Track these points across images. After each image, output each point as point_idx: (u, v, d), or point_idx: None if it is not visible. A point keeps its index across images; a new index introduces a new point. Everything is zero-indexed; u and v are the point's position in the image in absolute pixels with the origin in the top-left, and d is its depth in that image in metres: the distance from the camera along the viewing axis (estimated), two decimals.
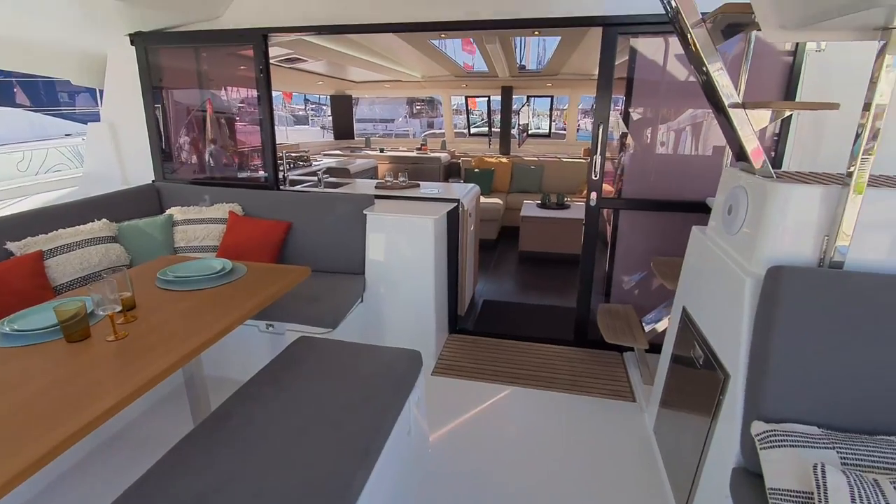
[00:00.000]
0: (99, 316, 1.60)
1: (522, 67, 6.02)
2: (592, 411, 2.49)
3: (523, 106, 6.78)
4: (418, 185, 3.67)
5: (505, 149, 6.81)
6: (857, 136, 1.31)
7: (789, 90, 2.59)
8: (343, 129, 7.29)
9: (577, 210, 5.28)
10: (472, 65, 5.68)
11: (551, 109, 7.09)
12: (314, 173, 4.15)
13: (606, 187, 2.91)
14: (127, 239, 2.81)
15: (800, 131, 2.61)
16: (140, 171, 3.56)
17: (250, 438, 1.43)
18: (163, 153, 3.60)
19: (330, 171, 5.05)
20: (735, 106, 1.63)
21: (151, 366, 1.37)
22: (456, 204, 3.10)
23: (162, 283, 1.98)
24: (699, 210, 2.76)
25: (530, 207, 5.41)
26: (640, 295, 3.06)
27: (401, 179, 3.64)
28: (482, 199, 5.54)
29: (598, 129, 2.80)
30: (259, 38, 3.13)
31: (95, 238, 2.61)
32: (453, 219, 3.12)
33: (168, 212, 3.08)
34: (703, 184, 2.79)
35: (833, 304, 1.34)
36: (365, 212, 2.86)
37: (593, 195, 2.90)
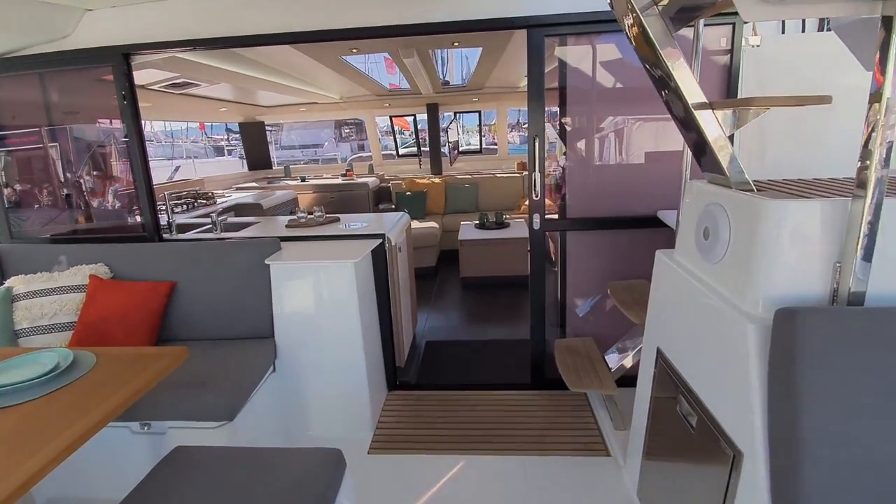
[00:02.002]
0: None
1: (446, 83, 5.73)
2: (562, 475, 2.09)
3: (451, 122, 6.49)
4: (338, 220, 3.17)
5: (436, 169, 6.46)
6: (871, 132, 1.00)
7: (729, 90, 2.40)
8: (258, 158, 6.62)
9: (517, 228, 4.99)
10: (398, 84, 5.31)
11: (480, 125, 6.86)
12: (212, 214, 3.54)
13: (549, 204, 2.59)
14: None
15: (743, 134, 2.42)
16: None
17: None
18: (7, 206, 2.87)
19: (239, 208, 4.42)
20: (702, 107, 1.32)
21: None
22: (381, 240, 2.64)
23: None
24: (650, 224, 2.49)
25: (468, 229, 5.06)
26: (598, 323, 2.74)
27: (316, 214, 3.13)
28: (416, 225, 5.12)
29: (534, 143, 2.47)
30: (118, 57, 2.55)
31: None
32: (380, 257, 2.65)
33: (6, 283, 2.38)
34: (652, 196, 2.54)
35: (865, 354, 1.01)
36: (268, 261, 2.33)
37: (536, 217, 2.56)
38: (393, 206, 5.71)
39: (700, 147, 1.42)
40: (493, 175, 6.26)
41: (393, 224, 2.98)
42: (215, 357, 2.16)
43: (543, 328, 2.71)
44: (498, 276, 4.76)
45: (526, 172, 6.30)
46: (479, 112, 6.60)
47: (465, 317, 4.07)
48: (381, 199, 6.26)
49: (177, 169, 10.57)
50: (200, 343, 2.32)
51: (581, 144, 2.58)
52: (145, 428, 1.95)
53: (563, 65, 2.52)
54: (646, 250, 2.65)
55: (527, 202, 5.91)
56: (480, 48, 4.04)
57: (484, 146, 7.40)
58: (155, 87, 4.19)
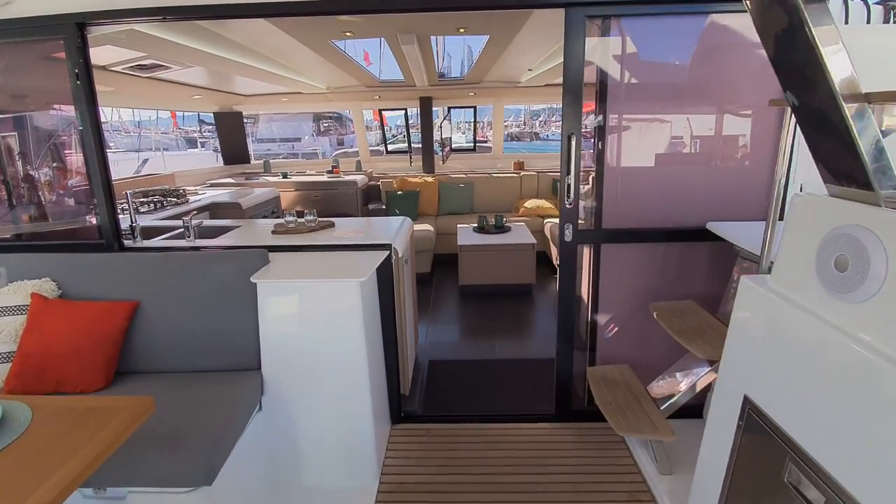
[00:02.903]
0: None
1: (442, 75, 5.36)
2: None
3: (445, 118, 6.12)
4: (332, 226, 2.78)
5: (429, 167, 6.09)
6: None
7: None
8: (235, 152, 6.11)
9: (519, 232, 4.67)
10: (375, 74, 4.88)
11: (475, 121, 6.51)
12: (186, 215, 3.09)
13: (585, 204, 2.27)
14: None
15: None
16: None
17: None
18: None
19: (214, 209, 3.96)
20: (855, 99, 1.00)
21: None
22: (387, 251, 2.27)
23: None
24: (697, 237, 2.19)
25: (466, 233, 4.71)
26: (634, 348, 2.43)
27: (308, 218, 2.72)
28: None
29: (569, 143, 2.13)
30: (71, 28, 2.10)
31: None
32: (385, 271, 2.28)
33: None
34: (699, 205, 2.24)
35: None
36: (254, 278, 1.93)
37: (568, 228, 2.23)
38: (383, 207, 5.32)
39: (835, 152, 1.11)
40: (488, 175, 5.93)
41: (396, 231, 2.61)
42: (188, 398, 1.75)
43: (571, 353, 2.39)
44: (500, 285, 4.43)
45: (523, 172, 5.99)
46: (475, 108, 6.25)
47: (469, 330, 3.72)
48: (371, 198, 5.85)
49: (144, 162, 9.87)
50: (170, 378, 1.91)
51: (619, 145, 2.26)
52: (99, 494, 1.54)
53: (601, 52, 2.18)
54: (692, 267, 2.37)
55: (525, 204, 5.65)
56: (487, 36, 3.68)
57: (475, 144, 7.05)
58: (117, 68, 3.68)
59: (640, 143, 2.27)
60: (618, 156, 2.26)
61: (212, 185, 5.36)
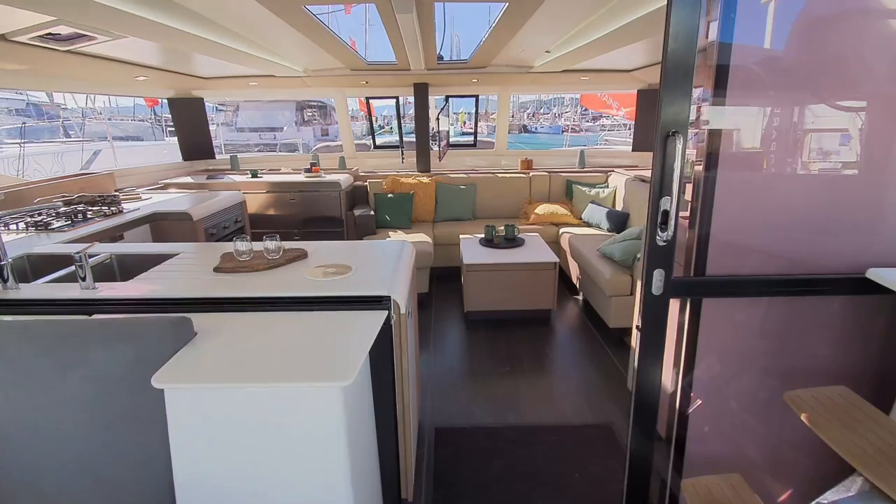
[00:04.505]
0: None
1: (440, 58, 4.55)
2: None
3: (444, 107, 5.31)
4: (304, 256, 1.98)
5: (424, 165, 5.28)
6: None
7: None
8: (196, 145, 5.20)
9: (534, 247, 3.92)
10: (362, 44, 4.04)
11: (476, 111, 5.70)
12: (117, 231, 2.26)
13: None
14: None
15: None
16: None
17: None
18: None
19: (157, 220, 3.10)
20: None
21: None
22: (385, 310, 1.49)
23: None
24: (853, 290, 1.46)
25: (471, 247, 3.93)
26: (744, 447, 1.70)
27: (268, 244, 1.92)
28: (403, 238, 3.90)
29: (667, 145, 1.38)
30: None
31: None
32: (383, 335, 1.50)
33: None
34: (857, 244, 1.50)
35: None
36: (159, 382, 1.13)
37: (657, 275, 1.48)
38: (371, 212, 4.52)
39: None
40: (493, 175, 5.15)
41: (395, 267, 1.83)
42: None
43: (651, 452, 1.65)
44: (513, 311, 3.68)
45: (532, 173, 5.21)
46: (477, 97, 5.45)
47: (482, 377, 2.96)
48: (357, 201, 5.02)
49: (96, 154, 8.80)
50: None
51: (740, 160, 1.51)
52: None
53: (726, 20, 1.42)
54: (842, 331, 1.65)
55: (536, 210, 4.82)
56: (506, 3, 2.89)
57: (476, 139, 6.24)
58: (23, 38, 2.80)
59: (773, 153, 1.51)
60: (736, 169, 1.50)
61: (165, 187, 4.48)
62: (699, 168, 1.53)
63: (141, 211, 3.10)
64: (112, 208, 3.00)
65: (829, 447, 1.32)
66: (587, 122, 25.60)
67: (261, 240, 1.93)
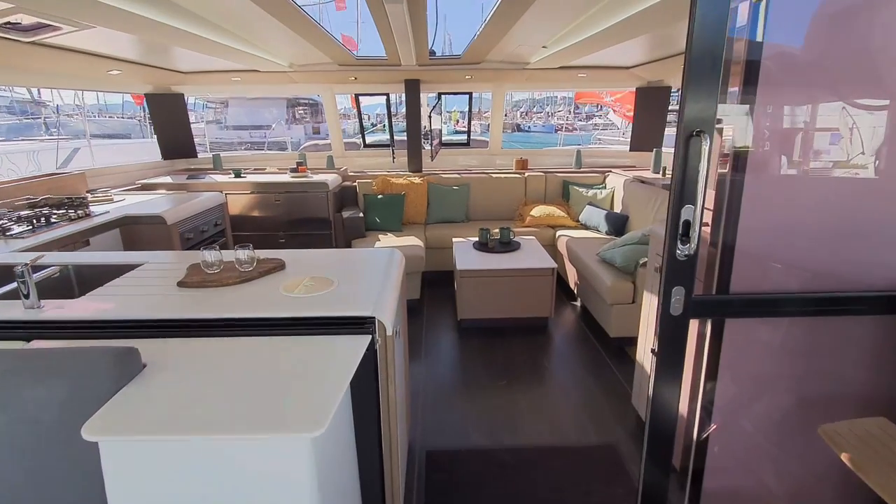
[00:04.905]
0: None
1: (432, 53, 4.36)
2: None
3: (437, 105, 5.11)
4: (281, 267, 1.79)
5: (416, 164, 5.09)
6: None
7: None
8: (176, 143, 4.96)
9: (531, 251, 3.75)
10: (351, 37, 3.85)
11: (469, 109, 5.53)
12: (82, 237, 2.06)
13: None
14: None
15: None
16: None
17: None
18: None
19: (128, 224, 2.89)
20: None
21: None
22: (369, 334, 1.31)
23: None
24: (885, 308, 1.31)
25: (465, 252, 3.76)
26: (773, 481, 1.54)
27: (240, 255, 1.73)
28: (394, 242, 3.72)
29: (689, 146, 1.21)
30: None
31: None
32: (367, 361, 1.32)
33: None
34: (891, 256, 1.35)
35: None
36: (90, 433, 0.93)
37: (677, 293, 1.31)
38: (360, 214, 4.33)
39: None
40: (487, 175, 4.97)
41: (382, 281, 1.65)
42: None
43: (667, 486, 1.48)
44: (508, 319, 3.52)
45: (528, 173, 5.03)
46: (470, 95, 5.27)
47: (476, 391, 2.79)
48: (345, 202, 4.82)
49: (75, 152, 8.46)
50: None
51: (770, 163, 1.34)
52: None
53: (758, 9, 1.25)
54: (884, 355, 1.48)
55: (532, 212, 4.66)
56: None
57: (459, 138, 6.05)
58: None
59: (807, 155, 1.35)
60: (766, 173, 1.34)
61: (143, 187, 4.25)
62: (722, 171, 1.36)
63: (110, 214, 2.88)
64: (79, 212, 2.78)
65: (863, 482, 1.16)
66: (580, 121, 25.53)
67: (246, 244, 1.73)
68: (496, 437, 2.36)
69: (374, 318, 1.37)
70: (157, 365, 1.16)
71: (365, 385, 1.37)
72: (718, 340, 1.43)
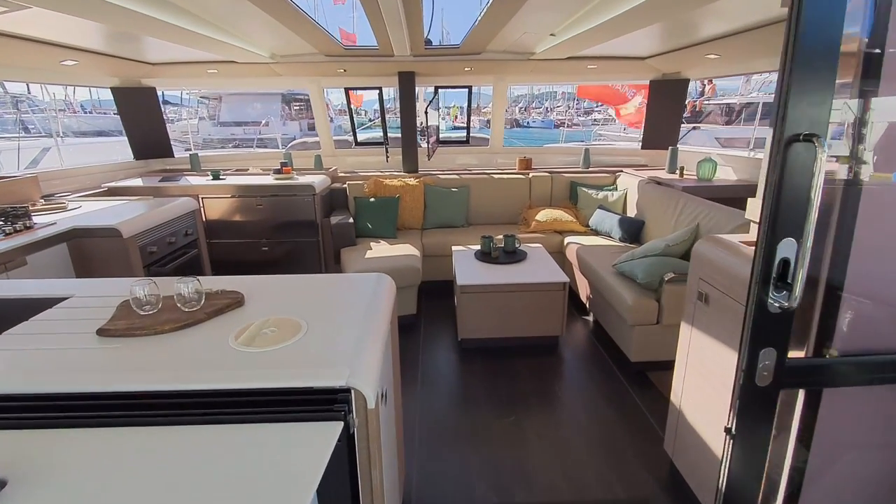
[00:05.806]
0: None
1: (428, 42, 3.98)
2: None
3: (433, 100, 4.73)
4: (238, 303, 1.42)
5: (411, 164, 4.71)
6: None
7: None
8: (149, 142, 4.56)
9: (538, 261, 3.39)
10: (353, 34, 3.47)
11: (469, 105, 5.14)
12: (26, 253, 1.68)
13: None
14: None
15: None
16: None
17: None
18: None
19: (77, 237, 2.50)
20: None
21: None
22: (341, 422, 0.94)
23: None
24: None
25: (466, 262, 3.39)
26: None
27: (182, 289, 1.35)
28: (387, 252, 3.36)
29: (801, 157, 0.84)
30: None
31: None
32: (340, 453, 0.95)
33: None
34: None
35: None
36: None
37: (767, 354, 0.95)
38: (350, 219, 3.96)
39: None
40: (488, 175, 4.60)
41: (365, 326, 1.28)
42: None
43: None
44: (515, 339, 3.16)
45: (532, 173, 4.63)
46: (470, 88, 4.89)
47: (481, 430, 2.43)
48: (335, 206, 4.44)
49: (45, 152, 7.98)
50: None
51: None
52: None
53: None
54: None
55: (537, 216, 4.24)
56: None
57: (459, 135, 5.66)
58: None
59: None
60: (890, 194, 0.98)
61: (110, 192, 3.86)
62: (829, 187, 1.00)
63: (57, 226, 2.50)
64: (17, 224, 2.40)
65: None
66: (579, 115, 25.14)
67: (191, 277, 1.36)
68: (504, 490, 2.00)
69: (349, 389, 1.01)
70: (26, 479, 0.79)
71: (336, 480, 1.01)
72: (813, 416, 1.07)
